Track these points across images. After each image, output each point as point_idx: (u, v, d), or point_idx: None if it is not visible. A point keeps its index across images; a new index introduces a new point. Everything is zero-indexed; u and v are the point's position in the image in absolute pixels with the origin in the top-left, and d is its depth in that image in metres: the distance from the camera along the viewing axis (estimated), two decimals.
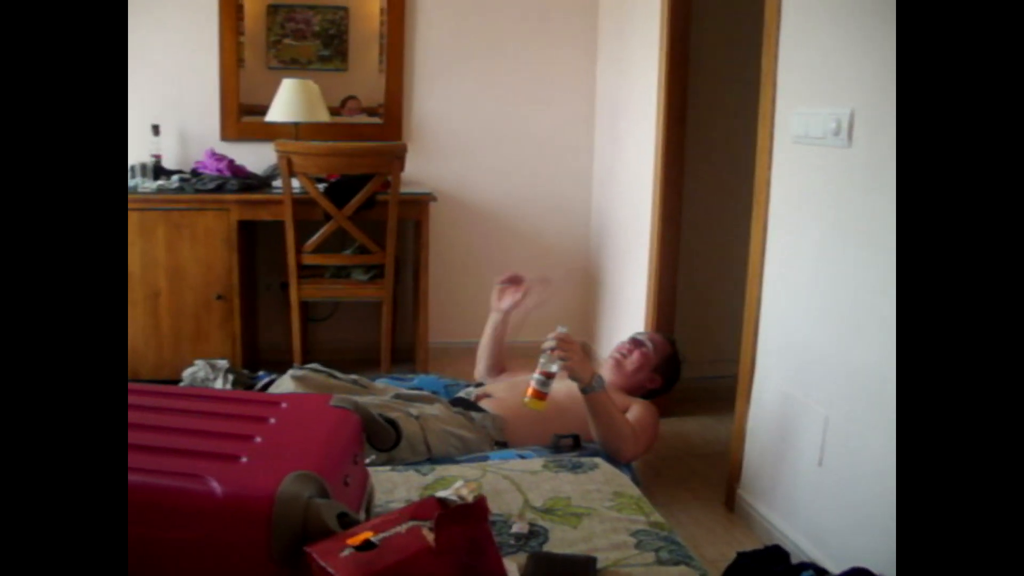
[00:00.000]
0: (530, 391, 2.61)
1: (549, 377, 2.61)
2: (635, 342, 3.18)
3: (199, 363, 3.61)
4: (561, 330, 2.71)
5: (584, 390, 2.69)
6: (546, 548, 1.63)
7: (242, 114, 4.35)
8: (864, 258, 2.32)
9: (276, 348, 4.29)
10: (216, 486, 1.18)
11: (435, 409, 2.67)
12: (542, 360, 2.62)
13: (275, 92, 4.11)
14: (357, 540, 1.10)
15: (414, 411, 2.60)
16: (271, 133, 4.09)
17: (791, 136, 2.69)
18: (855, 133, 2.37)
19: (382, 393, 2.78)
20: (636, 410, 2.93)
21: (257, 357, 4.29)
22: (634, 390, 3.06)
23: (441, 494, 1.15)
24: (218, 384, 3.18)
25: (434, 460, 2.46)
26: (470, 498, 1.14)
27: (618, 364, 3.12)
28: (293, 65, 4.40)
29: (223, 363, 3.67)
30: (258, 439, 1.33)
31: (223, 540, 1.17)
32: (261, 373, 3.28)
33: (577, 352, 2.68)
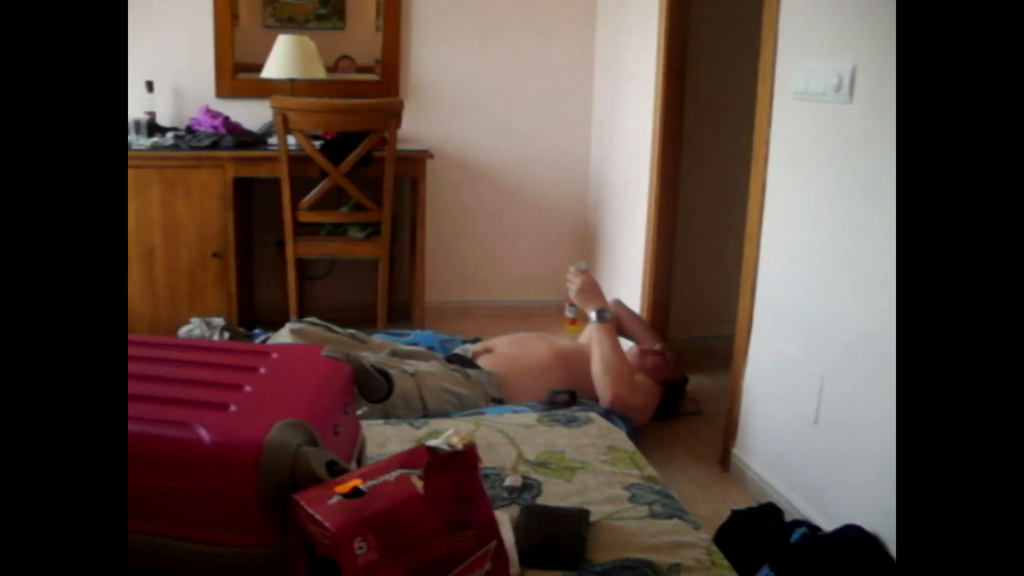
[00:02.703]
0: (565, 321, 3.18)
1: (573, 304, 3.12)
2: (663, 350, 3.32)
3: (195, 321, 3.61)
4: (580, 265, 3.11)
5: (592, 319, 2.95)
6: (539, 501, 1.63)
7: (237, 72, 4.30)
8: (864, 216, 2.30)
9: (272, 306, 4.28)
10: (204, 434, 1.17)
11: (431, 366, 2.66)
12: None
13: (271, 50, 4.07)
14: (345, 488, 1.09)
15: (409, 368, 2.59)
16: (267, 90, 4.05)
17: (792, 92, 2.65)
18: (856, 89, 2.34)
19: (379, 349, 2.78)
20: (640, 377, 3.00)
21: (253, 315, 4.28)
22: None
23: (431, 443, 1.14)
24: None
25: (429, 416, 2.45)
26: (460, 446, 1.12)
27: (642, 354, 3.21)
28: (290, 24, 4.34)
29: (219, 321, 3.66)
30: (248, 388, 1.31)
31: (211, 488, 1.16)
32: (257, 331, 3.27)
33: (583, 283, 3.01)
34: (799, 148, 2.64)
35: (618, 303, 3.48)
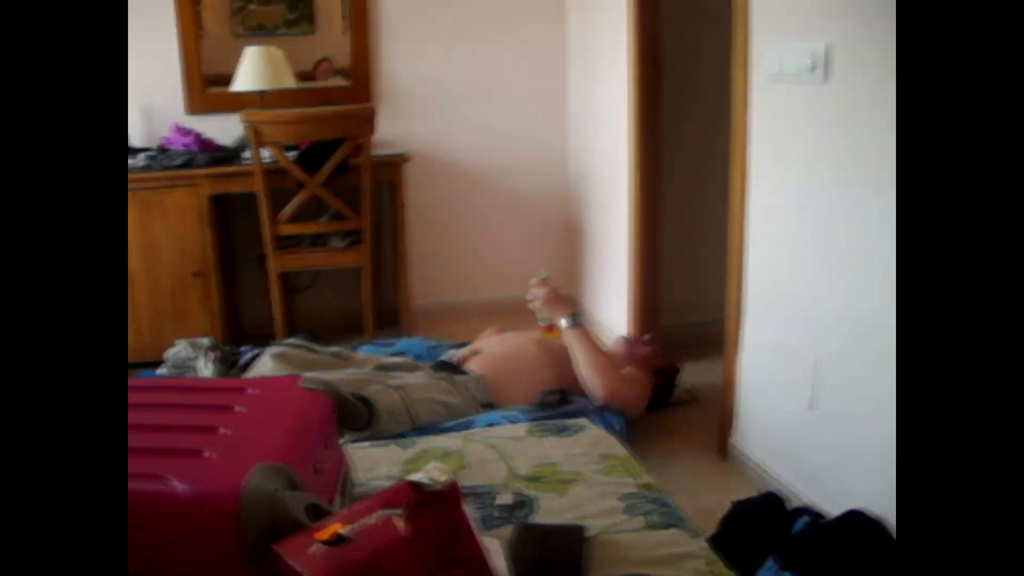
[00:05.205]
0: (541, 330, 3.06)
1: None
2: (652, 340, 3.29)
3: (180, 343, 3.55)
4: (541, 275, 3.07)
5: (564, 325, 2.92)
6: (533, 518, 1.59)
7: (209, 85, 4.23)
8: (847, 196, 2.26)
9: (259, 322, 4.22)
10: (178, 486, 1.13)
11: (417, 377, 2.62)
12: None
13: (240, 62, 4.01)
14: (326, 534, 1.05)
15: (395, 382, 2.55)
16: (238, 103, 3.99)
17: (767, 74, 2.61)
18: (832, 68, 2.30)
19: (364, 364, 2.74)
20: (630, 369, 2.96)
21: (241, 332, 4.23)
22: None
23: (413, 477, 1.10)
24: (200, 362, 3.12)
25: (419, 429, 2.41)
26: (442, 479, 1.09)
27: (628, 343, 3.17)
28: (260, 31, 4.27)
29: (205, 341, 3.61)
30: (222, 430, 1.27)
31: (188, 541, 1.12)
32: (245, 348, 3.22)
33: (543, 295, 2.99)
34: (778, 131, 2.60)
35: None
